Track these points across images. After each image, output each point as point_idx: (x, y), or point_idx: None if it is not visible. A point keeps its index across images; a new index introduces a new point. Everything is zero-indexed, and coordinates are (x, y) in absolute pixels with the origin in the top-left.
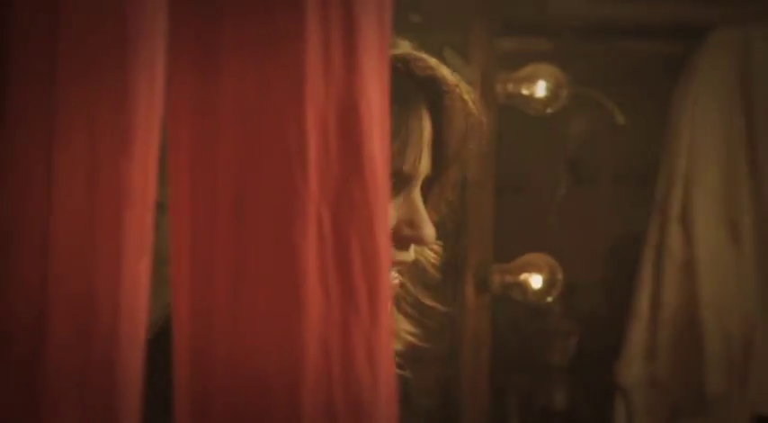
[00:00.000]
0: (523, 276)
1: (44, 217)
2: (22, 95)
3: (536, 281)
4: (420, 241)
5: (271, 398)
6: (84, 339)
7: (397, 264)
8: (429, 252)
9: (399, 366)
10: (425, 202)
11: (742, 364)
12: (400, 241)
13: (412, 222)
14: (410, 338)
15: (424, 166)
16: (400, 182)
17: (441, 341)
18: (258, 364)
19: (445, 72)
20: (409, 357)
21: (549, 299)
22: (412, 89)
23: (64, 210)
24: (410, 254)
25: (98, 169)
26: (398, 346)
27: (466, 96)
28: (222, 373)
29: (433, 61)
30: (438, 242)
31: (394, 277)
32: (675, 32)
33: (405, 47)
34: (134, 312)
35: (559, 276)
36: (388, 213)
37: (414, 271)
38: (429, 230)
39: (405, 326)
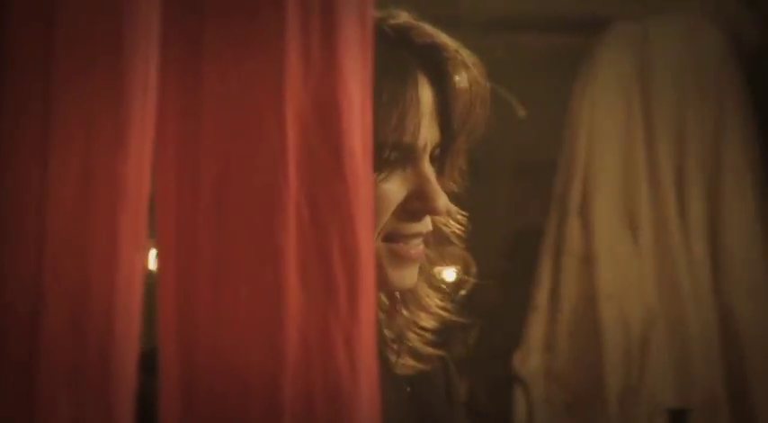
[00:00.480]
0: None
1: (38, 214)
2: (18, 94)
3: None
4: (433, 212)
5: (251, 388)
6: (79, 335)
7: (414, 235)
8: (453, 223)
9: (437, 345)
10: (441, 172)
11: (640, 357)
12: (413, 213)
13: (421, 194)
14: (442, 313)
15: (427, 135)
16: (404, 154)
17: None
18: (240, 355)
19: (445, 38)
20: (445, 334)
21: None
22: (407, 59)
23: (58, 207)
24: (426, 224)
25: (93, 167)
26: (433, 323)
27: (468, 61)
28: (205, 365)
29: (431, 29)
30: (462, 212)
31: (416, 244)
32: (576, 26)
33: (404, 17)
34: (129, 309)
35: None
36: (371, 209)
37: (439, 242)
38: (441, 201)
39: (435, 300)
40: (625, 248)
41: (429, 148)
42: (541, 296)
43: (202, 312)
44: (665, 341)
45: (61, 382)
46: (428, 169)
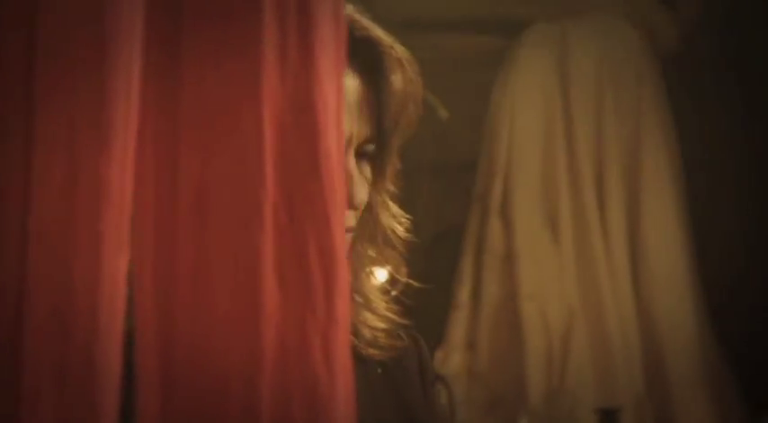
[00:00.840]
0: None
1: (23, 215)
2: (2, 96)
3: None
4: (349, 205)
5: (229, 388)
6: (63, 333)
7: None
8: (398, 226)
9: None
10: (382, 172)
11: (561, 356)
12: None
13: None
14: (390, 315)
15: (351, 128)
16: None
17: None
18: (218, 355)
19: (380, 33)
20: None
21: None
22: None
23: (43, 208)
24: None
25: (77, 169)
26: (382, 325)
27: (402, 58)
28: (183, 364)
29: (366, 22)
30: (407, 216)
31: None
32: (496, 27)
33: (349, 9)
34: (112, 308)
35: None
36: (345, 208)
37: (386, 244)
38: (359, 195)
39: (382, 303)
40: (545, 248)
41: (355, 142)
42: (463, 295)
43: (180, 312)
44: (586, 341)
45: (46, 380)
46: (351, 162)
